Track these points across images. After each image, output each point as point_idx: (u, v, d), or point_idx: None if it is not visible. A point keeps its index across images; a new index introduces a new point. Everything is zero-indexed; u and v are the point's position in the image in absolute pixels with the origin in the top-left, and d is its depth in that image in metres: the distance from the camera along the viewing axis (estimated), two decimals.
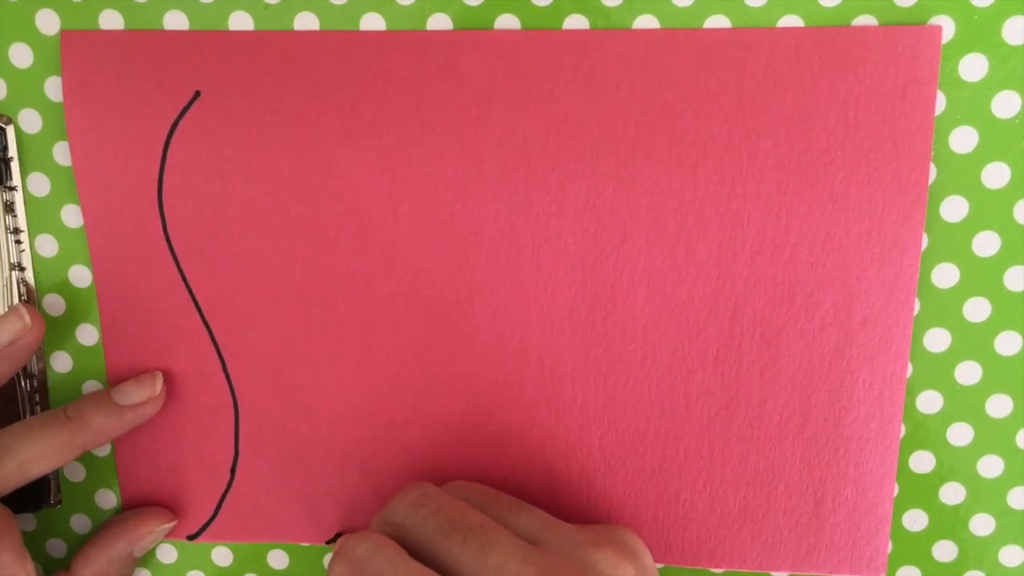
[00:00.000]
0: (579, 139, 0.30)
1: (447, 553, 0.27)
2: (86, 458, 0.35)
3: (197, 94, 0.31)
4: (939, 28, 0.28)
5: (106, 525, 0.34)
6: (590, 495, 0.33)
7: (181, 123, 0.31)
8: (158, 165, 0.32)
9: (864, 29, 0.28)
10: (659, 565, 0.34)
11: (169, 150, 0.32)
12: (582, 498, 0.33)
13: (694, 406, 0.32)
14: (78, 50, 0.31)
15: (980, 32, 0.28)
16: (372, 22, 0.30)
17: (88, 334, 0.34)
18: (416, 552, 0.27)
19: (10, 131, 0.32)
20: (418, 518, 0.28)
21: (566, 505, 0.33)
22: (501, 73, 0.30)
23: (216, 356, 0.33)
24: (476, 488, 0.30)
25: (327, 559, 0.35)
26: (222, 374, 0.33)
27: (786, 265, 0.30)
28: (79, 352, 0.34)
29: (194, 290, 0.33)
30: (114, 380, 0.34)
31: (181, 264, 0.32)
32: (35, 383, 0.34)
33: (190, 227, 0.32)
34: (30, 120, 0.32)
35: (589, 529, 0.29)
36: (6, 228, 0.33)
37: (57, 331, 0.34)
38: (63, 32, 0.31)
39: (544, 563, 0.26)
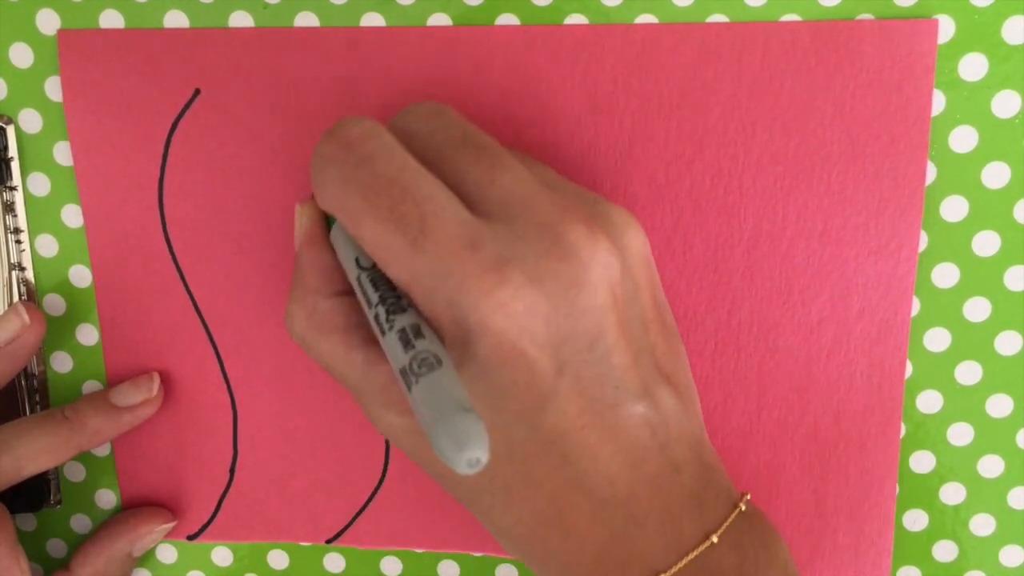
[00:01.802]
0: (576, 133, 0.30)
1: (452, 164, 0.24)
2: (86, 458, 0.35)
3: (197, 92, 0.31)
4: (936, 22, 0.28)
5: (105, 525, 0.34)
6: None
7: (181, 122, 0.31)
8: (159, 164, 0.32)
9: (861, 23, 0.29)
10: None
11: (170, 149, 0.32)
12: None
13: None
14: (76, 49, 0.31)
15: (980, 32, 0.28)
16: (372, 21, 0.30)
17: (88, 334, 0.34)
18: (418, 160, 0.24)
19: (10, 131, 0.32)
20: (430, 127, 0.25)
21: None
22: (498, 68, 0.30)
23: (215, 356, 0.33)
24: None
25: (327, 559, 0.35)
26: (220, 374, 0.33)
27: (783, 258, 0.30)
28: (79, 352, 0.34)
29: (192, 290, 0.33)
30: (113, 380, 0.34)
31: (180, 264, 0.32)
32: (35, 383, 0.34)
33: (190, 226, 0.32)
34: (30, 120, 0.32)
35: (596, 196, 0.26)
36: (6, 228, 0.33)
37: (57, 331, 0.34)
38: (61, 31, 0.31)
39: (554, 199, 0.23)
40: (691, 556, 0.25)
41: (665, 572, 0.24)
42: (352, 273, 0.25)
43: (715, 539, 0.25)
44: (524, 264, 0.22)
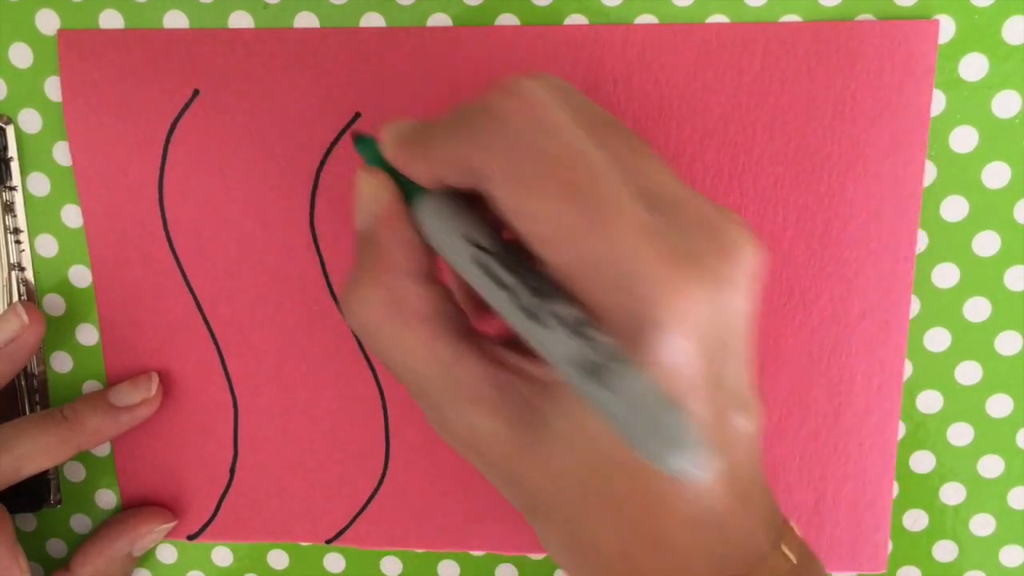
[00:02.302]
0: None
1: (608, 148, 0.22)
2: (86, 458, 0.35)
3: (196, 93, 0.31)
4: (936, 23, 0.28)
5: (106, 524, 0.34)
6: None
7: (181, 122, 0.31)
8: (158, 164, 0.32)
9: (861, 24, 0.29)
10: None
11: (169, 149, 0.31)
12: None
13: None
14: (76, 49, 0.31)
15: (980, 32, 0.28)
16: (372, 21, 0.30)
17: (88, 334, 0.34)
18: None
19: (10, 131, 0.32)
20: (574, 103, 0.23)
21: None
22: (499, 69, 0.30)
23: (216, 355, 0.33)
24: None
25: (327, 559, 0.35)
26: (222, 373, 0.33)
27: (783, 260, 0.30)
28: (79, 352, 0.34)
29: (194, 289, 0.33)
30: (113, 380, 0.34)
31: (181, 263, 0.32)
32: (35, 383, 0.34)
33: (190, 226, 0.32)
34: (30, 120, 0.32)
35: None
36: (6, 228, 0.33)
37: (57, 331, 0.34)
38: (61, 31, 0.31)
39: (703, 197, 0.22)
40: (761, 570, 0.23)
41: None
42: (463, 252, 0.22)
43: (788, 554, 0.24)
44: (698, 261, 0.21)
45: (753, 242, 0.22)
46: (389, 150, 0.24)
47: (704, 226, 0.21)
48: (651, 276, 0.20)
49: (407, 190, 0.24)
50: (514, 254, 0.22)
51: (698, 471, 0.18)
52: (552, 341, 0.20)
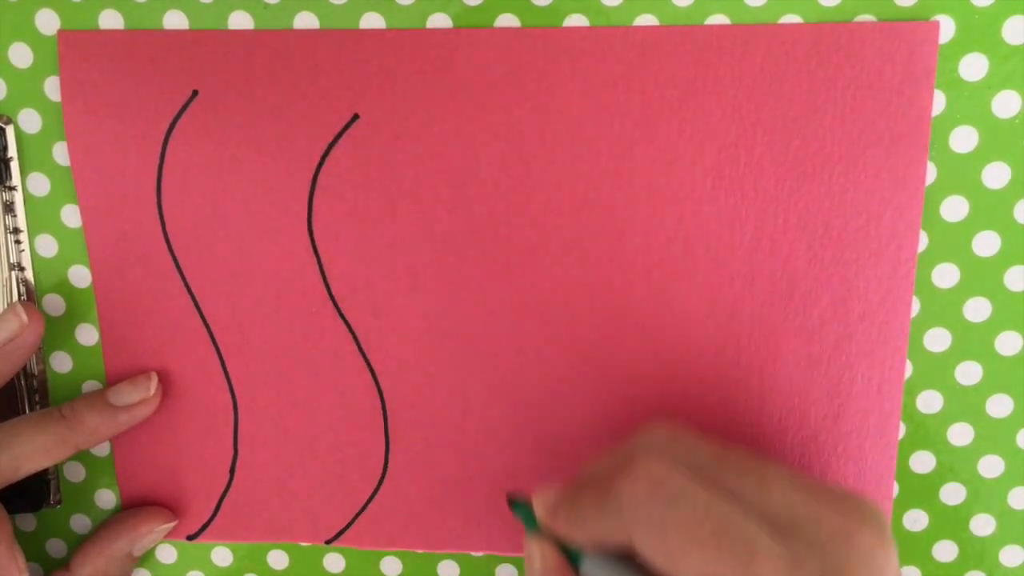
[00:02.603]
0: (576, 136, 0.30)
1: (724, 486, 0.25)
2: (86, 458, 0.35)
3: (195, 93, 0.31)
4: (936, 24, 0.28)
5: (106, 524, 0.34)
6: None
7: (179, 122, 0.31)
8: (156, 165, 0.32)
9: (861, 25, 0.29)
10: None
11: (167, 150, 0.32)
12: None
13: (693, 402, 0.32)
14: (76, 50, 0.31)
15: (980, 32, 0.28)
16: (372, 22, 0.30)
17: (88, 334, 0.34)
18: None
19: (10, 131, 0.32)
20: (682, 451, 0.26)
21: None
22: (498, 71, 0.30)
23: (216, 355, 0.33)
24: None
25: (327, 559, 0.35)
26: (221, 373, 0.33)
27: (784, 261, 0.30)
28: (79, 352, 0.34)
29: (193, 289, 0.33)
30: (113, 380, 0.34)
31: (180, 263, 0.32)
32: (35, 383, 0.34)
33: (189, 226, 0.32)
34: (30, 120, 0.32)
35: (836, 486, 0.27)
36: (6, 228, 0.33)
37: (57, 331, 0.34)
38: (60, 32, 0.31)
39: (827, 502, 0.24)
40: None
41: None
42: None
43: None
44: None
45: (891, 540, 0.24)
46: (544, 520, 0.28)
47: (837, 540, 0.24)
48: None
49: (570, 550, 0.27)
50: None
51: None
52: None
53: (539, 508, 0.28)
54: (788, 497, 0.24)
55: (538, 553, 0.28)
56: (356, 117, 0.31)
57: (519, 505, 0.30)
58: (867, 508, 0.25)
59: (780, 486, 0.25)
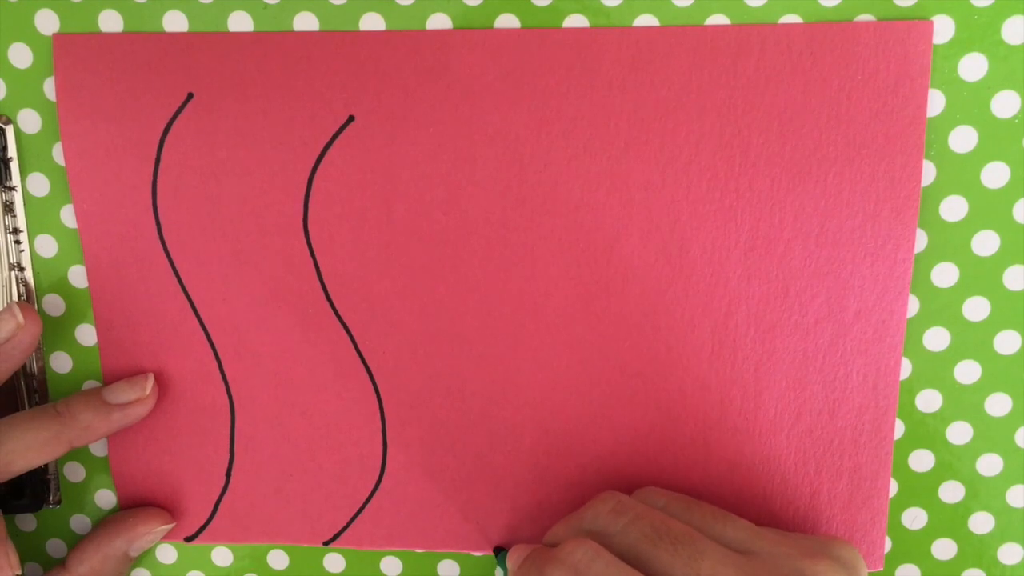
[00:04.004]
0: (572, 137, 0.30)
1: (656, 562, 0.26)
2: (86, 458, 0.35)
3: (190, 96, 0.31)
4: (931, 23, 0.28)
5: (104, 523, 0.34)
6: (580, 491, 0.33)
7: (174, 125, 0.31)
8: (152, 167, 0.32)
9: (856, 24, 0.29)
10: None
11: (163, 152, 0.31)
12: (574, 493, 0.33)
13: (690, 401, 0.32)
14: (71, 53, 0.31)
15: (980, 32, 0.28)
16: (372, 22, 0.30)
17: (87, 334, 0.34)
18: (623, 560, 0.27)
19: (10, 131, 0.32)
20: (620, 526, 0.28)
21: (558, 505, 0.33)
22: (494, 72, 0.30)
23: (213, 357, 0.33)
24: (674, 496, 0.30)
25: (327, 559, 0.35)
26: (218, 375, 0.33)
27: (780, 260, 0.30)
28: (78, 352, 0.34)
29: (190, 291, 0.33)
30: (110, 381, 0.34)
31: (176, 265, 0.32)
32: (34, 383, 0.34)
33: (185, 228, 0.32)
34: (30, 120, 0.32)
35: (804, 539, 0.28)
36: (5, 228, 0.33)
37: (56, 331, 0.34)
38: (56, 35, 0.31)
39: (759, 573, 0.26)
40: None
41: None
42: None
43: None
44: None
45: None
46: (513, 574, 0.30)
47: None
48: None
49: None
50: None
51: None
52: None
53: (509, 567, 0.31)
54: (716, 569, 0.26)
55: None
56: (351, 119, 0.31)
57: (501, 556, 0.33)
58: (837, 548, 0.26)
59: (711, 560, 0.26)
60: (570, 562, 0.27)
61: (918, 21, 0.28)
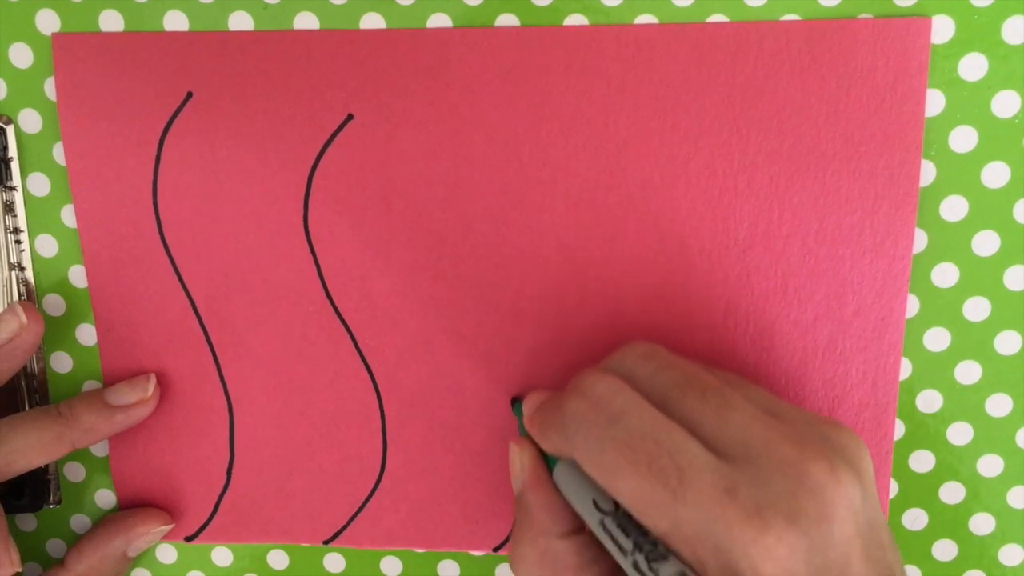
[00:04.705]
0: (571, 135, 0.30)
1: (683, 409, 0.25)
2: (86, 459, 0.35)
3: (189, 95, 0.31)
4: (929, 20, 0.28)
5: (103, 523, 0.34)
6: None
7: (174, 124, 0.31)
8: (152, 166, 0.32)
9: (854, 22, 0.29)
10: None
11: (163, 152, 0.32)
12: None
13: None
14: (70, 52, 0.31)
15: (980, 32, 0.28)
16: (372, 22, 0.30)
17: (87, 334, 0.34)
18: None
19: (10, 131, 0.32)
20: (649, 370, 0.26)
21: None
22: (493, 70, 0.30)
23: (211, 357, 0.33)
24: (698, 364, 0.29)
25: (327, 559, 0.35)
26: (217, 376, 0.33)
27: (778, 257, 0.30)
28: (79, 352, 0.34)
29: (190, 290, 0.33)
30: (110, 381, 0.34)
31: (177, 264, 0.32)
32: (35, 383, 0.34)
33: (185, 228, 0.32)
34: (30, 120, 0.32)
35: (817, 415, 0.27)
36: (6, 228, 0.33)
37: (57, 331, 0.34)
38: (55, 35, 0.31)
39: (788, 431, 0.24)
40: None
41: None
42: (592, 517, 0.25)
43: None
44: (779, 506, 0.23)
45: (846, 471, 0.24)
46: (526, 423, 0.28)
47: (787, 469, 0.23)
48: (736, 533, 0.22)
49: (549, 456, 0.28)
50: (630, 517, 0.25)
51: None
52: None
53: (525, 408, 0.29)
54: (746, 423, 0.24)
55: (517, 455, 0.29)
56: (350, 117, 0.31)
57: (517, 406, 0.31)
58: (833, 440, 0.25)
59: (740, 412, 0.25)
60: (591, 395, 0.26)
61: (916, 18, 0.28)
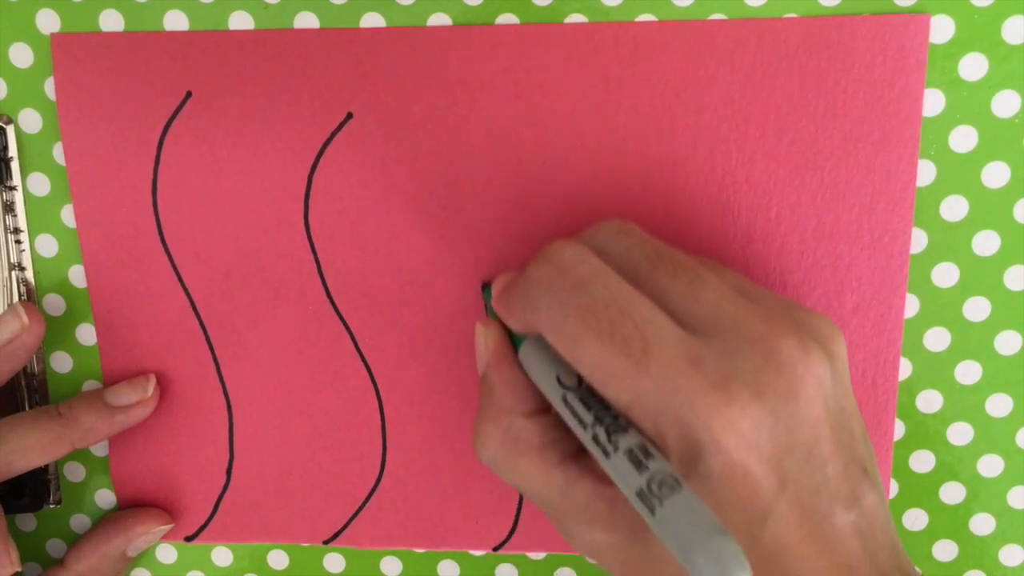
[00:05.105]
0: (569, 132, 0.30)
1: (653, 283, 0.24)
2: (86, 458, 0.35)
3: (189, 95, 0.31)
4: (927, 17, 0.28)
5: (102, 522, 0.34)
6: None
7: (174, 124, 0.31)
8: (152, 166, 0.32)
9: (853, 19, 0.29)
10: None
11: (163, 151, 0.32)
12: None
13: None
14: (69, 53, 0.31)
15: (980, 31, 0.28)
16: (372, 21, 0.30)
17: (87, 334, 0.34)
18: None
19: (10, 131, 0.32)
20: (622, 246, 0.25)
21: None
22: (492, 68, 0.30)
23: (211, 357, 0.33)
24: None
25: (327, 559, 0.35)
26: (216, 376, 0.33)
27: (777, 254, 0.30)
28: (79, 352, 0.34)
29: (190, 290, 0.33)
30: (110, 381, 0.34)
31: (176, 264, 0.32)
32: (35, 383, 0.34)
33: (185, 227, 0.32)
34: (30, 120, 0.32)
35: (793, 301, 0.26)
36: (6, 228, 0.33)
37: (57, 331, 0.34)
38: (54, 35, 0.31)
39: (760, 311, 0.23)
40: None
41: None
42: (555, 393, 0.25)
43: None
44: (745, 379, 0.22)
45: (816, 350, 0.23)
46: (493, 302, 0.27)
47: (756, 344, 0.23)
48: (698, 404, 0.22)
49: (515, 334, 0.27)
50: (592, 392, 0.24)
51: None
52: (617, 470, 0.22)
53: (494, 288, 0.28)
54: (716, 301, 0.24)
55: (483, 335, 0.28)
56: (350, 116, 0.31)
57: (487, 290, 0.31)
58: (806, 322, 0.24)
59: (712, 290, 0.24)
60: (558, 261, 0.24)
61: (914, 15, 0.28)
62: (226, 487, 0.34)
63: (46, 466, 0.35)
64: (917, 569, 0.26)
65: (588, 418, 0.24)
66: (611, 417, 0.23)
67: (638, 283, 0.24)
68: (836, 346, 0.24)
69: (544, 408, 0.27)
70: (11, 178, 0.32)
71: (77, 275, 0.33)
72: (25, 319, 0.31)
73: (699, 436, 0.22)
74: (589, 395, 0.24)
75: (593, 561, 0.26)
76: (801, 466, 0.23)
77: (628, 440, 0.22)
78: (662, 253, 0.25)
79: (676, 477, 0.21)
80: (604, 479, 0.25)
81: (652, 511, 0.21)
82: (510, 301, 0.26)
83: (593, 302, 0.23)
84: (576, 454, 0.26)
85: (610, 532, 0.25)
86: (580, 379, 0.24)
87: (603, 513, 0.25)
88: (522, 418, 0.26)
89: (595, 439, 0.23)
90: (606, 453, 0.23)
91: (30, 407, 0.34)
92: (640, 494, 0.21)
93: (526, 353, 0.26)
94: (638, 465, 0.22)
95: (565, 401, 0.24)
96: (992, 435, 0.32)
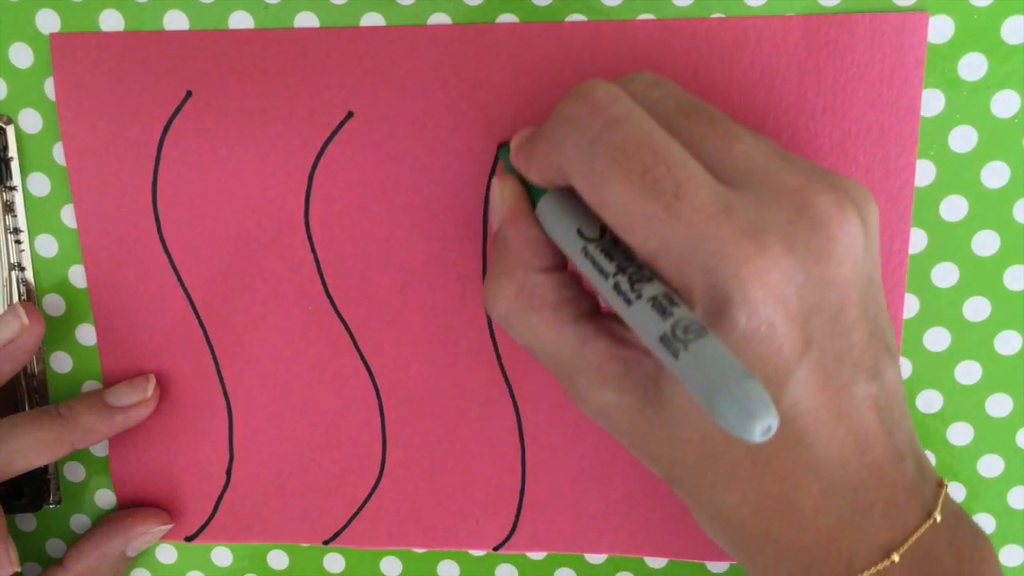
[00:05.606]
0: None
1: (688, 133, 0.23)
2: (86, 458, 0.35)
3: (189, 94, 0.31)
4: (926, 15, 0.28)
5: (102, 522, 0.34)
6: (582, 483, 0.33)
7: (174, 124, 0.31)
8: (152, 166, 0.32)
9: (852, 17, 0.28)
10: (657, 560, 0.34)
11: (163, 151, 0.32)
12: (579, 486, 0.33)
13: None
14: (70, 53, 0.31)
15: (979, 31, 0.28)
16: (372, 21, 0.30)
17: (87, 334, 0.34)
18: None
19: (10, 131, 0.32)
20: (656, 95, 0.24)
21: (561, 502, 0.33)
22: (492, 67, 0.30)
23: (211, 357, 0.33)
24: None
25: (327, 559, 0.35)
26: (216, 376, 0.33)
27: None
28: (78, 352, 0.34)
29: (189, 290, 0.33)
30: (110, 381, 0.34)
31: (176, 264, 0.32)
32: (35, 383, 0.34)
33: (185, 227, 0.32)
34: (30, 120, 0.32)
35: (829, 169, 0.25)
36: (6, 228, 0.33)
37: (57, 331, 0.34)
38: (54, 35, 0.31)
39: (794, 167, 0.22)
40: (911, 542, 0.23)
41: (885, 562, 0.23)
42: (575, 245, 0.24)
43: (938, 517, 0.24)
44: (778, 231, 0.21)
45: (852, 209, 0.22)
46: (511, 156, 0.26)
47: (790, 198, 0.22)
48: (728, 252, 0.21)
49: (533, 191, 0.26)
50: (616, 243, 0.23)
51: (767, 437, 0.19)
52: (639, 319, 0.22)
53: (512, 142, 0.27)
54: (751, 152, 0.23)
55: (499, 190, 0.27)
56: (350, 115, 0.31)
57: (504, 148, 0.29)
58: (840, 182, 0.23)
59: (747, 143, 0.23)
60: (589, 98, 0.23)
61: (913, 13, 0.28)
62: (226, 487, 0.34)
63: (46, 466, 0.35)
64: (927, 458, 0.26)
65: (610, 268, 0.23)
66: (635, 267, 0.23)
67: (671, 132, 0.23)
68: (870, 212, 0.23)
69: (560, 265, 0.26)
70: (11, 178, 0.32)
71: (77, 275, 0.33)
72: (25, 319, 0.31)
73: (727, 286, 0.21)
74: (612, 246, 0.23)
75: (601, 423, 0.26)
76: (827, 329, 0.22)
77: (652, 289, 0.22)
78: (697, 104, 0.24)
79: (701, 323, 0.21)
80: (619, 340, 0.25)
81: (676, 355, 0.20)
82: (533, 147, 0.25)
83: (625, 141, 0.22)
84: (591, 314, 0.26)
85: (622, 393, 0.24)
86: (602, 232, 0.24)
87: (616, 374, 0.24)
88: (537, 273, 0.25)
89: (616, 287, 0.22)
90: (628, 301, 0.22)
91: (30, 407, 0.34)
92: (664, 339, 0.21)
93: (544, 208, 0.25)
94: (662, 312, 0.21)
95: (585, 252, 0.24)
96: (992, 435, 0.32)
